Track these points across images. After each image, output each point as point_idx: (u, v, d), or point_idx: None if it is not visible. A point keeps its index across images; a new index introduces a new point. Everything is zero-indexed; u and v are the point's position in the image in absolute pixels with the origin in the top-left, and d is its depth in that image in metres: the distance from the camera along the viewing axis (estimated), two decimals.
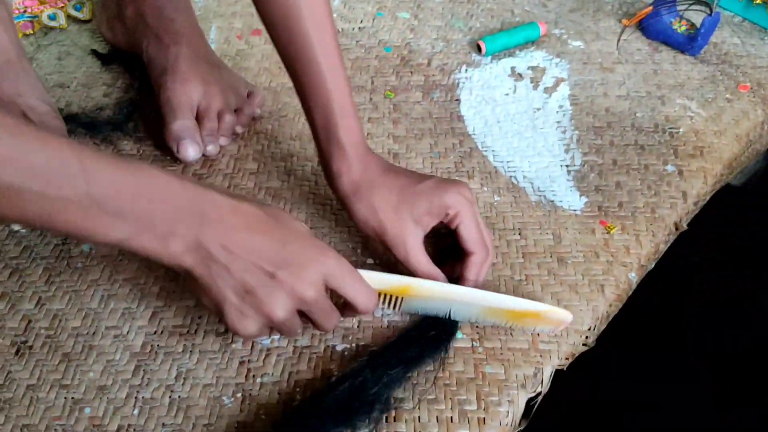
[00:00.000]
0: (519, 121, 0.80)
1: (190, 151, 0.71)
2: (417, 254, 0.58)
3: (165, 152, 0.75)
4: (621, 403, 0.88)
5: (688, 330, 0.98)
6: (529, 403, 0.58)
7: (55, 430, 0.54)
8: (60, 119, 0.72)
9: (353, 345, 0.60)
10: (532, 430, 0.61)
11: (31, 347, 0.59)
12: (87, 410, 0.55)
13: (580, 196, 0.72)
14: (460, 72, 0.86)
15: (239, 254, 0.48)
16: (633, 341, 0.89)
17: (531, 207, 0.71)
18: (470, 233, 0.59)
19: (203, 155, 0.73)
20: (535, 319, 0.58)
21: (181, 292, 0.63)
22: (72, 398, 0.56)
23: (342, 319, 0.56)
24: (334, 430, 0.52)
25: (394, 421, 0.55)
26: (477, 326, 0.61)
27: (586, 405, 0.87)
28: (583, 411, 0.86)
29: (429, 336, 0.58)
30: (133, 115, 0.78)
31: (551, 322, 0.58)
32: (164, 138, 0.72)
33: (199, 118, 0.74)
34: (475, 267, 0.60)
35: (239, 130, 0.76)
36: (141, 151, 0.76)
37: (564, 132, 0.79)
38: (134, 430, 0.54)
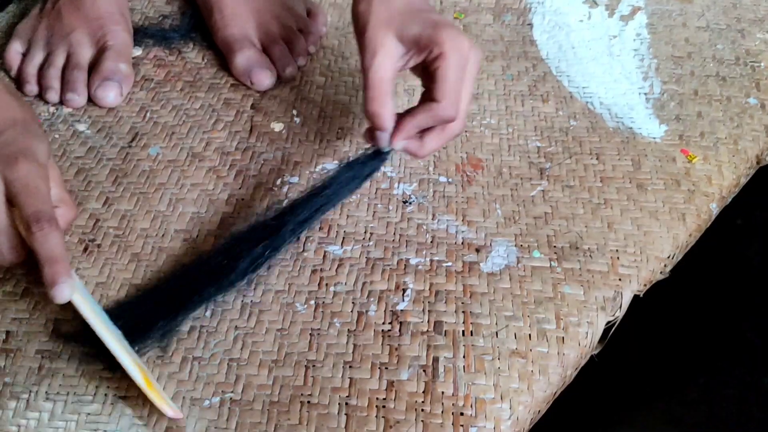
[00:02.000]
0: (594, 47, 0.77)
1: (263, 79, 0.69)
2: (380, 69, 0.50)
3: None
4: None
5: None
6: (606, 326, 0.56)
7: None
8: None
9: (427, 259, 0.58)
10: (603, 356, 0.59)
11: (99, 245, 0.58)
12: None
13: (660, 124, 0.69)
14: None
15: None
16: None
17: (609, 133, 0.68)
18: (446, 81, 0.50)
19: (282, 80, 0.70)
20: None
21: (251, 200, 0.61)
22: None
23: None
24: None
25: (472, 335, 0.53)
26: (555, 246, 0.58)
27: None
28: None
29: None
30: (196, 23, 0.75)
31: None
32: (235, 76, 0.70)
33: (264, 48, 0.71)
34: (432, 117, 0.52)
35: (311, 50, 0.73)
36: (206, 60, 0.74)
37: (642, 60, 0.75)
38: (207, 331, 0.53)
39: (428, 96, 0.52)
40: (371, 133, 0.53)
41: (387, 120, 0.52)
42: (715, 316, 0.86)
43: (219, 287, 0.53)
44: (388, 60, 0.51)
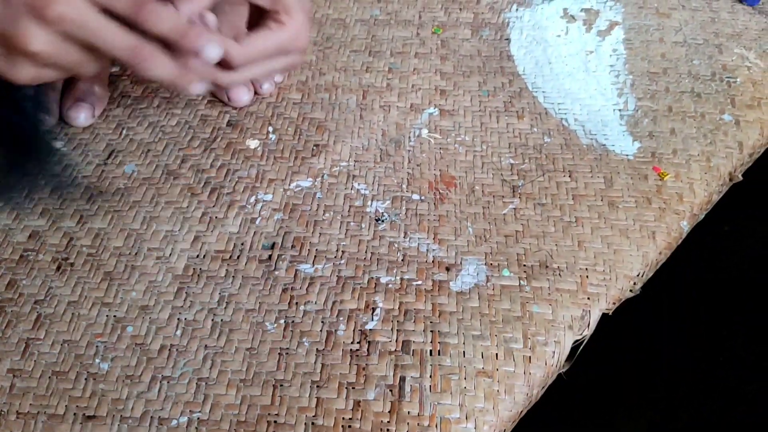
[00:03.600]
0: (571, 63, 0.77)
1: (241, 95, 0.69)
2: None
3: None
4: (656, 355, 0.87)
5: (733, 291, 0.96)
6: (574, 345, 0.57)
7: (97, 347, 0.54)
8: None
9: (398, 278, 0.58)
10: (571, 375, 0.60)
11: (72, 264, 0.58)
12: (129, 329, 0.55)
13: (633, 141, 0.69)
14: (510, 11, 0.83)
15: None
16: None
17: (582, 150, 0.69)
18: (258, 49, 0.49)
19: (259, 95, 0.71)
20: None
21: (224, 218, 0.62)
22: (114, 316, 0.55)
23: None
24: None
25: (439, 354, 0.54)
26: (524, 265, 0.59)
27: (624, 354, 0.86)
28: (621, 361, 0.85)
29: None
30: None
31: None
32: (214, 93, 0.71)
33: None
34: (268, 36, 0.50)
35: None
36: None
37: (617, 76, 0.76)
38: (177, 350, 0.54)
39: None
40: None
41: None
42: (697, 325, 0.87)
43: None
44: None
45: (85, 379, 0.52)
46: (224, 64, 0.48)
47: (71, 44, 0.41)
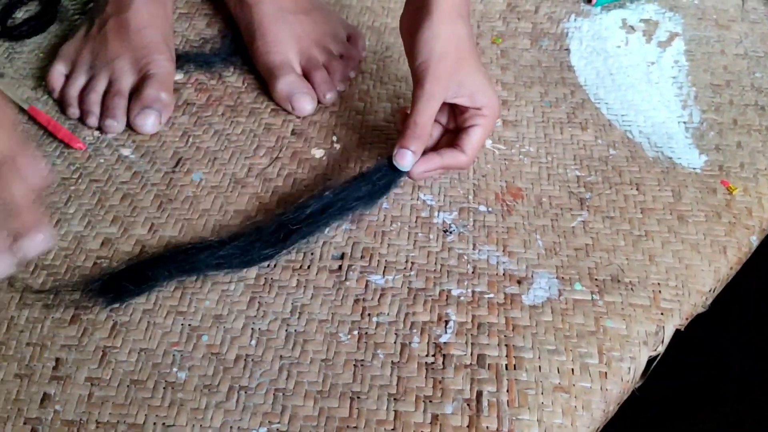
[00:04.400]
0: (632, 74, 0.77)
1: (305, 105, 0.70)
2: (430, 115, 0.58)
3: None
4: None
5: None
6: (648, 361, 0.57)
7: (174, 356, 0.54)
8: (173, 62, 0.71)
9: (469, 291, 0.58)
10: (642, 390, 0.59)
11: None
12: (204, 338, 0.55)
13: (700, 154, 0.69)
14: (569, 21, 0.83)
15: None
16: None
17: (648, 163, 0.68)
18: (476, 141, 0.59)
19: (322, 104, 0.71)
20: None
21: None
22: (189, 325, 0.56)
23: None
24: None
25: (515, 368, 0.54)
26: (596, 279, 0.59)
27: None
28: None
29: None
30: (237, 47, 0.76)
31: None
32: (276, 101, 0.71)
33: (306, 73, 0.72)
34: (453, 164, 0.60)
35: (351, 74, 0.74)
36: (246, 84, 0.74)
37: (680, 88, 0.75)
38: (252, 360, 0.54)
39: (453, 141, 0.60)
40: (401, 152, 0.58)
41: (421, 147, 0.59)
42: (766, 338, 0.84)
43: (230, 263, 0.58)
44: (437, 105, 0.58)
45: (164, 388, 0.52)
46: (455, 169, 0.63)
47: None
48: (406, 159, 0.58)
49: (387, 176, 0.60)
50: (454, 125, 0.61)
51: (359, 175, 0.61)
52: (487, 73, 0.59)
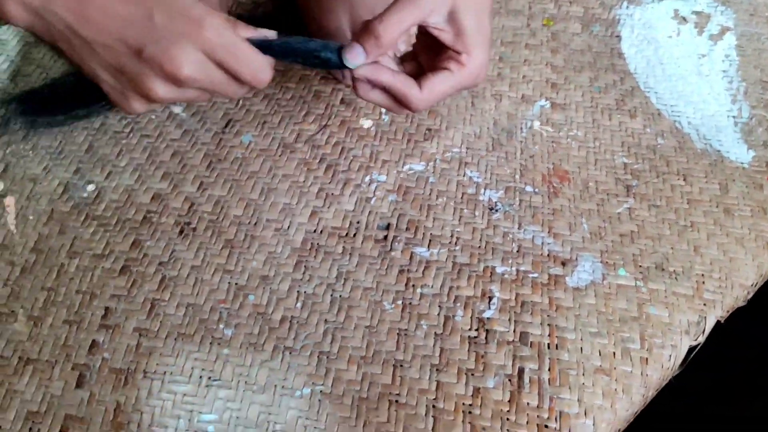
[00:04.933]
0: (683, 65, 0.76)
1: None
2: (408, 18, 0.48)
3: None
4: None
5: None
6: (688, 350, 0.57)
7: (221, 313, 0.55)
8: None
9: (513, 269, 0.58)
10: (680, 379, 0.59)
11: (194, 229, 0.59)
12: (251, 297, 0.55)
13: (748, 149, 0.68)
14: (621, 8, 0.82)
15: (97, 25, 0.42)
16: None
17: (696, 154, 0.68)
18: (440, 90, 0.50)
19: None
20: None
21: (340, 195, 0.62)
22: (236, 284, 0.56)
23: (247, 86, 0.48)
24: None
25: (557, 348, 0.54)
26: (640, 266, 0.59)
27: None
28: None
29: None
30: (289, 11, 0.76)
31: None
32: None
33: None
34: (404, 97, 0.50)
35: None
36: None
37: (731, 82, 0.75)
38: (297, 322, 0.54)
39: (414, 69, 0.53)
40: (351, 45, 0.49)
41: (376, 51, 0.49)
42: None
43: None
44: (417, 17, 0.48)
45: (210, 343, 0.53)
46: (403, 105, 0.51)
47: (217, 69, 0.45)
48: (355, 55, 0.49)
49: (328, 58, 0.51)
50: (430, 68, 0.52)
51: (303, 42, 0.51)
52: (490, 26, 0.52)
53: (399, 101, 0.51)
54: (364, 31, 0.49)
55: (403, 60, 0.56)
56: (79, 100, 0.63)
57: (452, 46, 0.50)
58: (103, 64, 0.44)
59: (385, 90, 0.51)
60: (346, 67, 0.50)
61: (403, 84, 0.50)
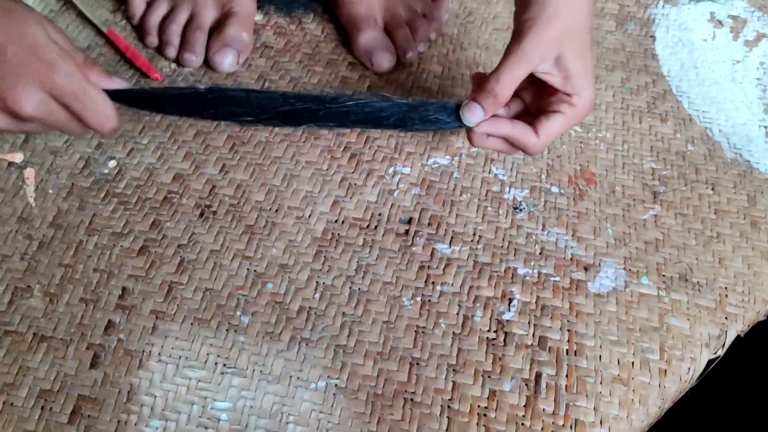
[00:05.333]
0: (717, 70, 0.75)
1: (384, 62, 0.68)
2: (520, 72, 0.51)
3: None
4: None
5: None
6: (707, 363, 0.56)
7: (238, 299, 0.54)
8: None
9: (535, 271, 0.58)
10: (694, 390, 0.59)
11: (214, 212, 0.58)
12: (269, 285, 0.55)
13: None
14: (656, 7, 0.80)
15: None
16: None
17: (726, 164, 0.67)
18: (553, 130, 0.53)
19: (401, 62, 0.70)
20: None
21: (363, 186, 0.61)
22: (255, 271, 0.56)
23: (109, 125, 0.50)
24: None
25: (576, 355, 0.53)
26: (664, 275, 0.58)
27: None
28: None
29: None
30: None
31: None
32: (355, 55, 0.70)
33: (388, 30, 0.70)
34: (521, 142, 0.53)
35: (432, 36, 0.72)
36: (325, 34, 0.73)
37: (764, 91, 0.73)
38: (315, 314, 0.54)
39: (523, 115, 0.55)
40: (470, 105, 0.53)
41: (494, 107, 0.53)
42: None
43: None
44: (528, 69, 0.51)
45: (226, 330, 0.53)
46: (520, 149, 0.54)
47: (62, 110, 0.48)
48: (474, 113, 0.53)
49: (446, 120, 0.55)
50: (537, 108, 0.56)
51: (422, 102, 0.55)
52: (593, 60, 0.53)
53: (516, 147, 0.54)
54: (480, 89, 0.52)
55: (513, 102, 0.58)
56: None
57: (561, 89, 0.52)
58: None
59: (503, 138, 0.54)
60: (463, 127, 0.54)
61: (522, 134, 0.53)
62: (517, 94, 0.56)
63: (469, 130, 0.54)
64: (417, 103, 0.54)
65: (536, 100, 0.56)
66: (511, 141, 0.54)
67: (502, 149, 0.55)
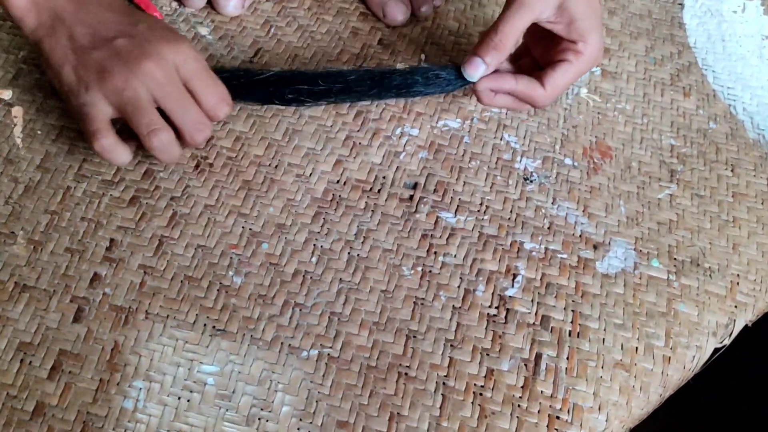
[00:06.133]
0: (745, 44, 0.71)
1: (397, 14, 0.64)
2: (523, 19, 0.50)
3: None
4: None
5: None
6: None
7: (231, 258, 0.52)
8: None
9: (542, 247, 0.55)
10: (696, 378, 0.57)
11: (211, 165, 0.55)
12: (264, 246, 0.52)
13: None
14: None
15: (86, 18, 0.47)
16: None
17: (748, 144, 0.64)
18: (562, 79, 0.53)
19: (415, 16, 0.66)
20: None
21: (368, 146, 0.58)
22: (250, 230, 0.53)
23: (208, 127, 0.49)
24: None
25: (578, 337, 0.51)
26: (675, 258, 0.56)
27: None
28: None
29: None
30: None
31: None
32: (367, 5, 0.66)
33: None
34: (528, 96, 0.53)
35: None
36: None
37: None
38: (311, 278, 0.52)
39: (534, 71, 0.53)
40: (471, 58, 0.52)
41: (496, 59, 0.52)
42: None
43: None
44: (530, 18, 0.50)
45: (217, 290, 0.50)
46: (528, 104, 0.54)
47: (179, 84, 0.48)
48: (476, 68, 0.52)
49: (448, 79, 0.54)
50: (546, 62, 0.54)
51: (422, 67, 0.55)
52: (600, 7, 0.52)
53: (524, 101, 0.54)
54: (481, 43, 0.50)
55: (516, 58, 0.57)
56: None
57: (567, 37, 0.51)
58: (74, 48, 0.46)
59: (510, 94, 0.53)
60: (467, 84, 0.53)
61: (527, 87, 0.52)
62: (526, 51, 0.55)
63: (475, 89, 0.53)
64: (419, 66, 0.52)
65: (545, 54, 0.54)
66: (518, 95, 0.53)
67: (511, 106, 0.55)
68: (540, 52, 0.55)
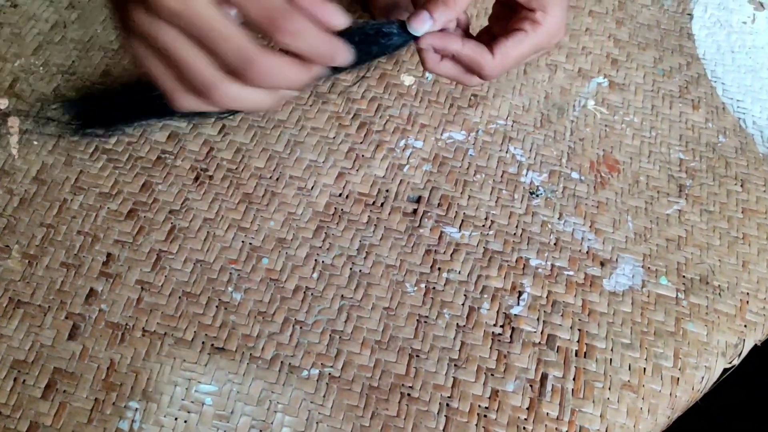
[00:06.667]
0: (755, 56, 0.70)
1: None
2: None
3: None
4: None
5: None
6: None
7: (231, 274, 0.50)
8: None
9: (548, 263, 0.54)
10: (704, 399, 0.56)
11: (211, 177, 0.54)
12: (265, 261, 0.51)
13: None
14: None
15: None
16: None
17: (758, 159, 0.62)
18: (514, 52, 0.47)
19: None
20: None
21: (371, 158, 0.57)
22: (250, 244, 0.52)
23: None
24: None
25: (585, 357, 0.50)
26: (684, 276, 0.54)
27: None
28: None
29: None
30: None
31: None
32: (372, 14, 0.65)
33: None
34: (474, 64, 0.47)
35: None
36: None
37: None
38: (312, 295, 0.50)
39: (486, 38, 0.48)
40: (418, 11, 0.46)
41: (444, 16, 0.45)
42: None
43: None
44: None
45: (216, 306, 0.49)
46: (476, 73, 0.47)
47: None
48: (422, 22, 0.45)
49: (392, 33, 0.47)
50: (503, 33, 0.48)
51: (360, 25, 0.46)
52: None
53: (470, 70, 0.47)
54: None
55: (477, 37, 0.51)
56: (131, 114, 0.55)
57: (526, 4, 0.46)
58: None
59: (455, 61, 0.47)
60: (410, 40, 0.46)
61: (474, 51, 0.46)
62: (488, 33, 0.51)
63: (418, 47, 0.47)
64: (362, 26, 0.46)
65: (503, 28, 0.49)
66: (463, 61, 0.47)
67: (457, 76, 0.49)
68: (500, 30, 0.50)
